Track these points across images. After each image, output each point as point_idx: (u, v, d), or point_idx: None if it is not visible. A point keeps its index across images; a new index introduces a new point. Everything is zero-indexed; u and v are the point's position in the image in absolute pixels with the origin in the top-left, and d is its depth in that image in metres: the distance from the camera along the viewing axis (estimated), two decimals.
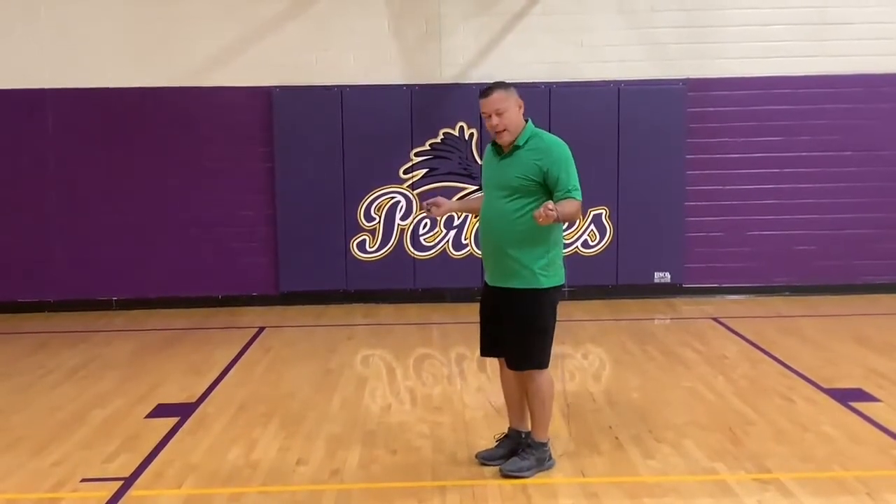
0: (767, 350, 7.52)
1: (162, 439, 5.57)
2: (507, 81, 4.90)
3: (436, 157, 9.68)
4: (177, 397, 6.51)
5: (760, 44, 9.64)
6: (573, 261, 9.29)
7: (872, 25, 9.61)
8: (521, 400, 5.00)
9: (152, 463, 5.18)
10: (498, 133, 4.76)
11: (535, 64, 9.58)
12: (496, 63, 9.55)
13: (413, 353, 7.78)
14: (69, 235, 9.65)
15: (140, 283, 9.74)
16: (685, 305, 9.59)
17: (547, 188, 4.71)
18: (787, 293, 9.87)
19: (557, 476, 4.88)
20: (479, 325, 5.06)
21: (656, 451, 5.22)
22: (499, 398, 5.39)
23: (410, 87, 9.61)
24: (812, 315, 9.00)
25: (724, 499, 4.56)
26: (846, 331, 8.19)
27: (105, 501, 4.66)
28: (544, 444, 4.95)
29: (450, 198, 8.93)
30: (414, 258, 9.77)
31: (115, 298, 9.78)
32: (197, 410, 6.18)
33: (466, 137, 9.63)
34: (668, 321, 9.04)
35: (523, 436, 5.01)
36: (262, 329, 8.80)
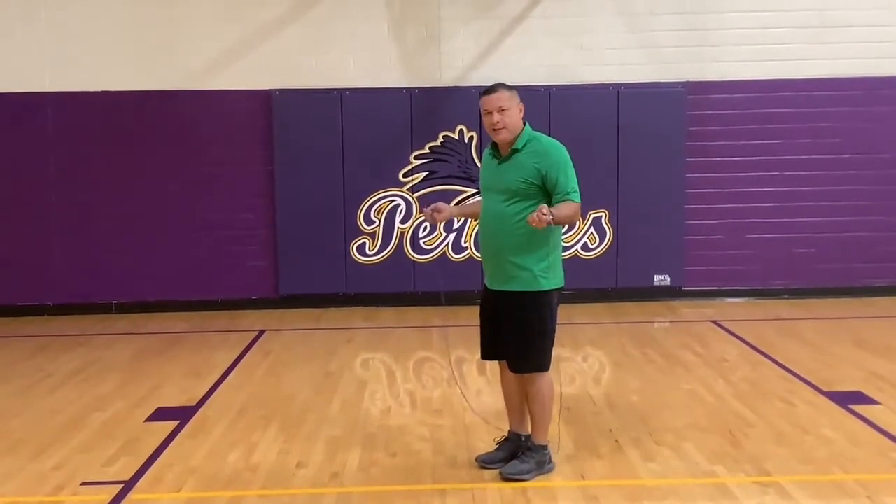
0: (767, 353, 7.52)
1: (162, 443, 5.57)
2: (510, 84, 4.91)
3: (435, 160, 9.68)
4: (177, 400, 6.51)
5: (760, 47, 9.66)
6: (573, 263, 9.30)
7: (872, 28, 9.62)
8: (521, 403, 5.00)
9: (152, 466, 5.17)
10: (496, 130, 4.77)
11: (535, 67, 9.59)
12: (496, 66, 9.56)
13: (413, 356, 7.78)
14: (69, 239, 9.65)
15: (140, 287, 9.74)
16: (685, 308, 9.59)
17: (546, 191, 4.72)
18: (786, 296, 9.87)
19: (557, 479, 4.87)
20: (479, 328, 5.07)
21: (656, 453, 5.22)
22: (498, 403, 5.39)
23: (410, 91, 9.62)
24: (812, 318, 9.00)
25: (724, 501, 4.56)
26: (846, 334, 8.19)
27: None
28: (544, 447, 4.95)
29: (449, 201, 9.05)
30: (413, 261, 9.77)
31: (114, 302, 9.78)
32: (197, 414, 6.18)
33: (466, 140, 9.64)
34: (667, 324, 9.04)
35: (523, 439, 5.00)
36: (261, 332, 8.80)
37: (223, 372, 7.29)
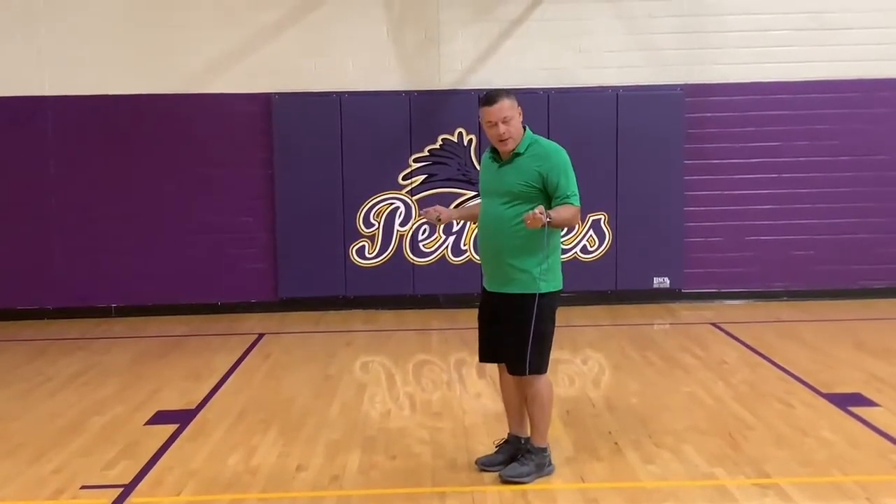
0: (766, 355, 7.52)
1: (161, 446, 5.56)
2: (507, 89, 4.90)
3: (435, 163, 9.69)
4: (176, 404, 6.51)
5: (758, 49, 9.67)
6: (572, 266, 9.31)
7: (869, 31, 9.63)
8: (520, 405, 5.00)
9: (152, 470, 5.17)
10: (503, 141, 4.74)
11: (534, 70, 9.60)
12: (495, 69, 9.57)
13: (412, 359, 7.78)
14: (68, 242, 9.65)
15: (139, 290, 9.74)
16: (684, 310, 9.59)
17: (547, 194, 4.73)
18: (785, 298, 9.88)
19: (557, 482, 4.87)
20: (477, 330, 5.07)
21: (656, 456, 5.22)
22: (498, 406, 5.39)
23: (409, 94, 9.63)
24: (811, 320, 9.01)
25: (724, 503, 4.58)
26: (845, 335, 8.19)
27: None
28: (544, 450, 4.95)
29: (448, 204, 9.05)
30: (413, 264, 9.77)
31: (114, 305, 9.78)
32: (196, 417, 6.18)
33: (465, 143, 9.65)
34: (667, 326, 9.05)
35: (523, 441, 5.00)
36: (261, 335, 8.80)
37: (223, 375, 7.29)
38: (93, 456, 5.42)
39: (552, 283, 4.81)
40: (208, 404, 6.49)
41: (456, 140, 9.66)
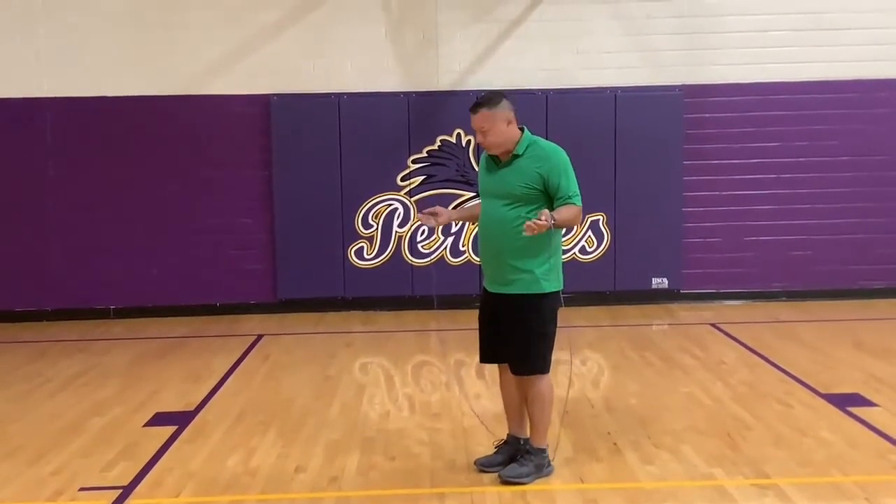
0: (765, 355, 7.53)
1: (161, 447, 5.56)
2: (499, 91, 4.91)
3: (433, 164, 9.69)
4: (175, 405, 6.51)
5: (757, 50, 9.67)
6: (571, 267, 9.27)
7: (868, 31, 9.64)
8: (520, 406, 5.01)
9: (151, 471, 5.17)
10: (486, 147, 4.83)
11: (532, 71, 9.60)
12: (493, 70, 9.57)
13: (411, 360, 7.79)
14: (67, 244, 9.65)
15: (138, 292, 9.74)
16: (683, 311, 9.60)
17: (547, 195, 4.74)
18: (784, 298, 9.88)
19: (556, 482, 4.88)
20: (477, 331, 5.07)
21: (655, 456, 5.23)
22: (497, 406, 5.39)
23: (408, 95, 9.63)
24: (809, 320, 9.01)
25: None
26: (844, 336, 8.20)
27: None
28: (543, 451, 4.95)
29: (447, 205, 9.04)
30: (411, 265, 9.77)
31: (113, 307, 9.77)
32: (196, 418, 6.18)
33: (464, 144, 9.65)
34: (666, 327, 9.05)
35: (522, 442, 5.01)
36: (260, 336, 8.80)
37: (222, 376, 7.29)
38: (92, 457, 5.42)
39: (554, 283, 4.81)
40: (207, 405, 6.49)
41: (454, 141, 9.66)
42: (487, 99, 4.81)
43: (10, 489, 4.97)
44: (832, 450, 5.27)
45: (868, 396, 6.29)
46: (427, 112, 9.62)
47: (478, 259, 5.65)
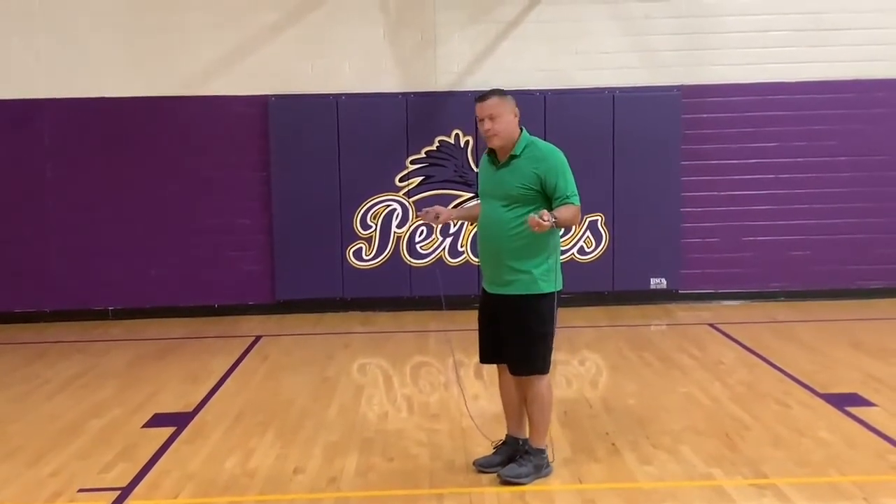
0: (763, 355, 7.53)
1: (159, 449, 5.56)
2: (504, 90, 4.93)
3: (431, 164, 9.69)
4: (174, 406, 6.51)
5: (755, 50, 9.68)
6: (570, 267, 9.31)
7: (866, 31, 9.64)
8: (519, 406, 5.01)
9: (149, 472, 5.17)
10: (489, 137, 4.81)
11: (531, 71, 9.61)
12: (491, 71, 9.57)
13: (410, 361, 7.79)
14: (66, 245, 9.65)
15: (136, 293, 9.74)
16: (681, 311, 9.60)
17: (546, 196, 4.74)
18: (782, 298, 9.89)
19: (555, 483, 4.88)
20: (476, 332, 5.08)
21: (653, 456, 5.23)
22: (496, 407, 5.40)
23: (406, 96, 9.63)
24: (808, 320, 9.01)
25: None
26: (842, 336, 8.20)
27: None
28: (542, 451, 4.95)
29: (445, 206, 9.01)
30: (410, 266, 9.77)
31: (111, 308, 9.77)
32: (194, 419, 6.18)
33: (462, 145, 9.65)
34: (664, 327, 9.05)
35: (521, 442, 5.01)
36: (259, 337, 8.80)
37: (220, 377, 7.29)
38: (90, 459, 5.42)
39: (553, 283, 4.82)
40: (206, 407, 6.49)
41: (453, 141, 9.66)
42: (498, 90, 4.88)
43: (8, 490, 4.97)
44: (830, 450, 5.27)
45: (866, 396, 6.30)
46: (425, 113, 9.62)
47: (476, 260, 5.65)
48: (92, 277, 9.68)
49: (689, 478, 4.92)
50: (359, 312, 9.75)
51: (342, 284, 9.77)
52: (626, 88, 9.64)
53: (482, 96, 4.84)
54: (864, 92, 9.70)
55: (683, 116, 9.67)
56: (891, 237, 9.84)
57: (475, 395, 6.55)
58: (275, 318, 9.65)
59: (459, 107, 9.51)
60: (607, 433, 5.66)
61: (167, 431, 5.89)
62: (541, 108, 9.40)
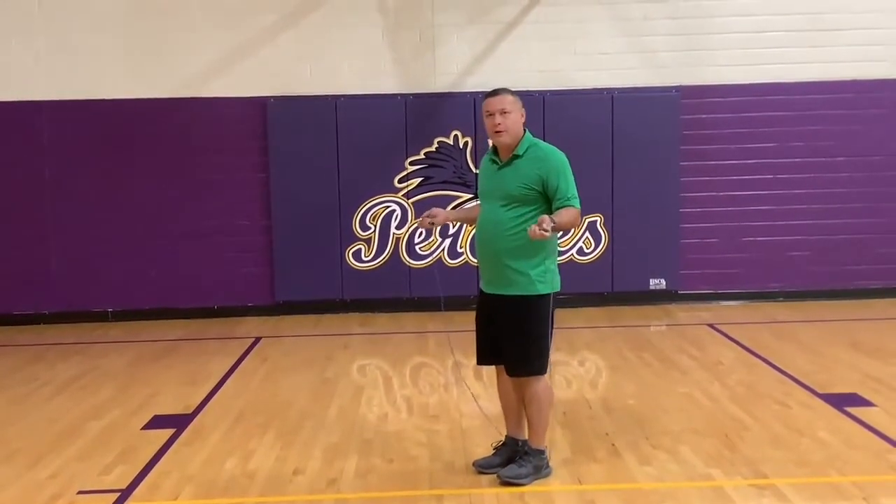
0: (763, 356, 7.54)
1: (158, 450, 5.56)
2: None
3: (431, 165, 9.70)
4: (173, 408, 6.50)
5: (754, 50, 9.68)
6: (569, 268, 9.32)
7: (865, 31, 9.65)
8: (518, 407, 5.01)
9: (149, 474, 5.17)
10: (497, 133, 4.80)
11: (529, 72, 9.61)
12: (490, 71, 9.57)
13: (409, 362, 7.79)
14: (65, 247, 9.64)
15: (135, 295, 9.74)
16: (681, 312, 9.61)
17: (546, 197, 4.75)
18: (781, 299, 9.89)
19: (554, 483, 4.88)
20: (475, 333, 5.08)
21: (653, 457, 5.23)
22: (496, 408, 5.40)
23: (405, 97, 9.64)
24: (807, 320, 9.02)
25: None
26: (841, 336, 8.21)
27: None
28: (542, 452, 4.95)
29: (444, 207, 9.01)
30: (409, 267, 9.77)
31: (110, 310, 9.77)
32: (193, 421, 6.18)
33: (461, 146, 9.65)
34: (663, 328, 9.06)
35: (520, 443, 5.01)
36: (258, 339, 8.79)
37: (220, 379, 7.29)
38: (90, 461, 5.42)
39: (550, 284, 4.82)
40: (205, 408, 6.49)
41: (452, 143, 9.67)
42: (506, 88, 4.93)
43: (8, 493, 4.97)
44: (830, 450, 5.27)
45: (866, 396, 6.30)
46: (424, 114, 9.63)
47: (476, 261, 5.65)
48: (91, 279, 9.68)
49: (688, 478, 4.92)
50: (358, 314, 9.75)
51: (341, 285, 9.77)
52: (625, 89, 9.64)
53: (495, 91, 4.87)
54: (863, 92, 9.71)
55: (682, 117, 9.68)
56: (889, 237, 9.85)
57: (476, 396, 6.54)
58: (274, 319, 9.66)
59: (458, 108, 9.52)
60: (607, 434, 5.66)
61: (167, 433, 5.89)
62: (540, 109, 9.41)
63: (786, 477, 4.88)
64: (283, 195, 9.64)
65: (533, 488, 4.80)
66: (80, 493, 4.93)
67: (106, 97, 9.55)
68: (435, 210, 5.12)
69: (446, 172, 9.69)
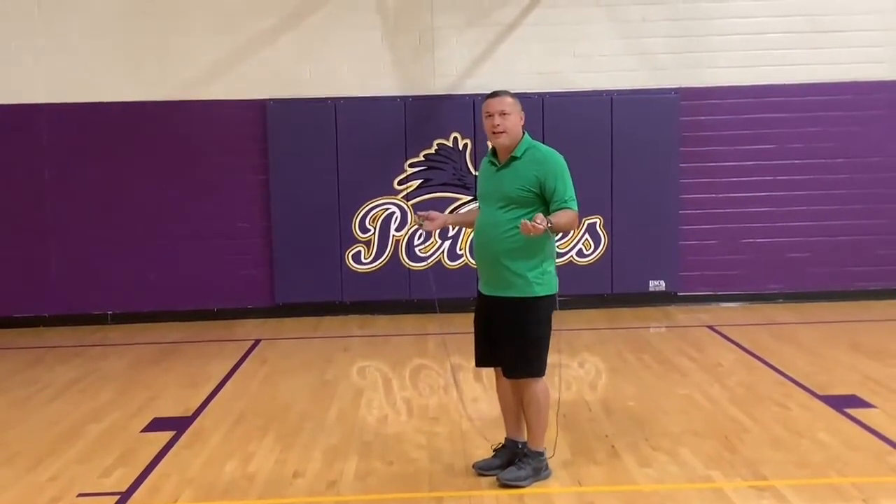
0: (762, 357, 7.54)
1: (158, 453, 5.56)
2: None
3: (430, 167, 9.70)
4: (173, 411, 6.50)
5: (753, 52, 9.69)
6: (568, 270, 9.33)
7: (864, 33, 9.66)
8: (517, 410, 5.01)
9: (149, 477, 5.17)
10: (496, 134, 4.81)
11: (528, 74, 9.62)
12: (489, 74, 9.58)
13: (409, 364, 7.79)
14: (64, 250, 9.64)
15: (135, 297, 9.73)
16: (680, 313, 9.61)
17: (544, 199, 4.75)
18: (781, 300, 9.90)
19: (554, 485, 4.88)
20: (473, 334, 5.08)
21: (653, 459, 5.23)
22: (495, 410, 5.40)
23: (404, 99, 9.64)
24: (806, 322, 9.02)
25: None
26: (841, 337, 8.21)
27: None
28: (541, 454, 4.95)
29: (444, 209, 9.05)
30: (409, 269, 9.77)
31: (110, 312, 9.77)
32: (193, 424, 6.18)
33: (460, 148, 9.66)
34: (663, 329, 9.06)
35: (520, 445, 5.01)
36: (257, 341, 8.79)
37: (219, 381, 7.29)
38: (90, 463, 5.42)
39: (547, 286, 4.82)
40: (205, 411, 6.49)
41: (451, 145, 9.67)
42: (506, 90, 4.94)
43: (8, 495, 4.97)
44: (830, 451, 5.27)
45: (865, 398, 6.30)
46: (423, 116, 9.63)
47: (474, 262, 5.63)
48: (91, 282, 9.68)
49: (688, 480, 4.92)
50: (358, 316, 9.75)
51: (341, 288, 9.77)
52: (624, 91, 9.65)
53: (495, 92, 4.89)
54: (862, 94, 9.72)
55: (681, 119, 9.68)
56: (888, 238, 9.85)
57: (475, 398, 6.55)
58: (274, 321, 9.66)
59: (457, 110, 9.52)
60: (607, 435, 5.66)
61: (166, 436, 5.89)
62: (539, 111, 9.41)
63: (786, 478, 4.88)
64: (283, 197, 9.64)
65: (533, 490, 4.80)
66: (79, 495, 4.92)
67: (106, 100, 9.54)
68: (433, 213, 5.13)
69: (446, 174, 9.70)
